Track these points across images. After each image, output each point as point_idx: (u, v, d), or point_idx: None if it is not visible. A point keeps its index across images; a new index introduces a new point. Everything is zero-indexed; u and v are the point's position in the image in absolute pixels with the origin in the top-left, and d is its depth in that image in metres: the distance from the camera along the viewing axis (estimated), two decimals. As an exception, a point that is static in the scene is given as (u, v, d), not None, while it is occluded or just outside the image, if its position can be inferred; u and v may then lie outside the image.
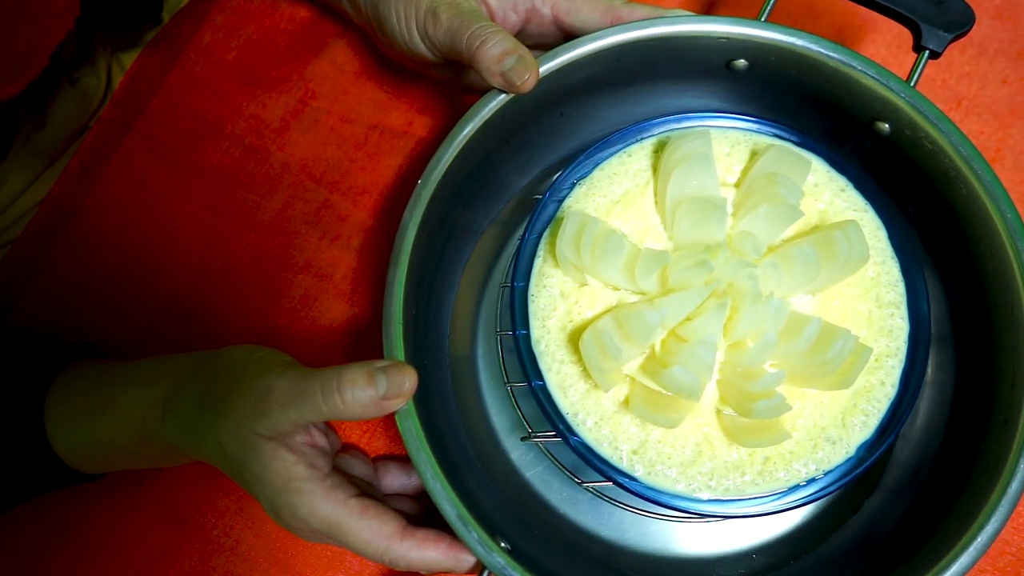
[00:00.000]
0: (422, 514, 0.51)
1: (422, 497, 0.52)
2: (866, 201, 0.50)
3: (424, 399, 0.47)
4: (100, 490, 0.55)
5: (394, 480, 0.53)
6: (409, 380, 0.43)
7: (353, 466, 0.52)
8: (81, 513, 0.56)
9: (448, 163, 0.49)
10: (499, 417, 0.55)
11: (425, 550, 0.44)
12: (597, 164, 0.51)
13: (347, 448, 0.55)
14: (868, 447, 0.46)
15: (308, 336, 0.59)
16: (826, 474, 0.45)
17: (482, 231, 0.58)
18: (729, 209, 0.50)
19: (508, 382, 0.52)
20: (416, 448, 0.44)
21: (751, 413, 0.44)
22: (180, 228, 0.61)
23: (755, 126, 0.52)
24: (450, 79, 0.59)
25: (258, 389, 0.44)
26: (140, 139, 0.63)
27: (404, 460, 0.53)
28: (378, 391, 0.42)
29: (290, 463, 0.43)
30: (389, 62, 0.63)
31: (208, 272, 0.60)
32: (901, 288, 0.49)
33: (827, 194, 0.51)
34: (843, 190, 0.51)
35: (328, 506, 0.43)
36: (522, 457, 0.55)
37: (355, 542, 0.44)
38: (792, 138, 0.52)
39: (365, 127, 0.63)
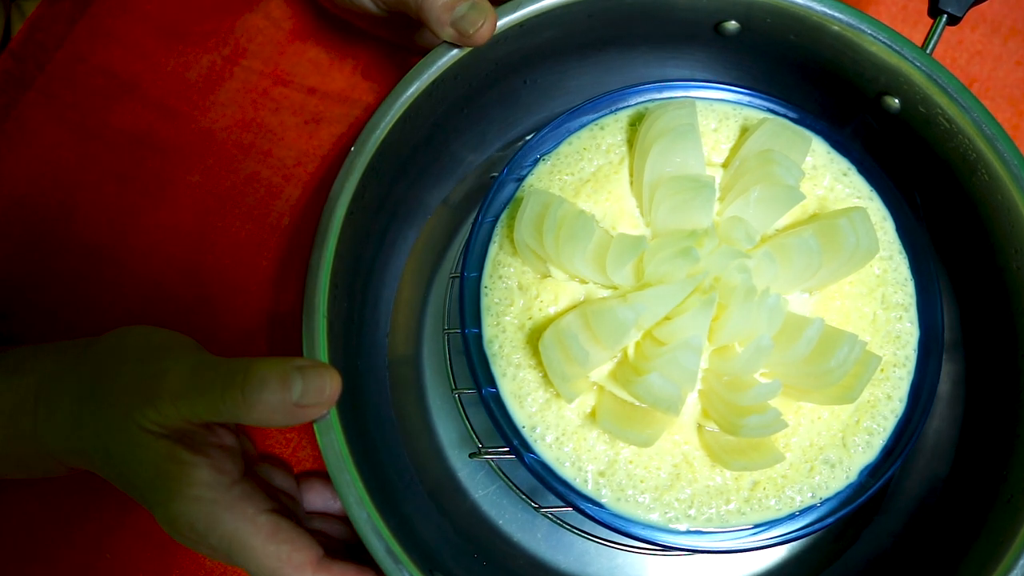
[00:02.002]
0: (352, 540, 0.44)
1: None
2: (871, 187, 0.45)
3: (355, 407, 0.41)
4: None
5: (317, 497, 0.46)
6: (331, 385, 0.37)
7: (273, 476, 0.46)
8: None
9: (388, 128, 0.42)
10: (445, 430, 0.50)
11: None
12: (564, 137, 0.46)
13: (265, 459, 0.47)
14: (872, 471, 0.41)
15: (226, 329, 0.52)
16: (823, 502, 0.40)
17: (431, 213, 0.52)
18: (716, 193, 0.44)
19: (456, 389, 0.46)
20: (338, 468, 0.37)
21: (739, 430, 0.39)
22: (83, 200, 0.54)
23: (747, 98, 0.46)
24: (399, 38, 0.53)
25: (149, 374, 0.38)
26: (40, 98, 0.56)
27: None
28: (292, 395, 0.36)
29: (189, 465, 0.37)
30: (331, 18, 0.57)
31: (113, 252, 0.53)
32: (910, 288, 0.44)
33: (827, 178, 0.45)
34: (845, 174, 0.45)
35: (232, 521, 0.37)
36: (471, 476, 0.49)
37: (257, 569, 0.37)
38: (789, 114, 0.46)
39: (302, 91, 0.56)
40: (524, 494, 0.45)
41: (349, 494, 0.37)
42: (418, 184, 0.49)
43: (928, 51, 0.44)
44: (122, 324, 0.47)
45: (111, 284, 0.52)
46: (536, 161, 0.45)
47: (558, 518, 0.45)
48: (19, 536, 0.49)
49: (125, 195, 0.54)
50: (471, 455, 0.46)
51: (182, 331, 0.46)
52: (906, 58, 0.44)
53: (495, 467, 0.46)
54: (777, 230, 0.44)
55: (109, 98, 0.56)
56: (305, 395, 0.36)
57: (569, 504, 0.40)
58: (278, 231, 0.54)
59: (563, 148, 0.45)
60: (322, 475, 0.47)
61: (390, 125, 0.42)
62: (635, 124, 0.46)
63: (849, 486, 0.40)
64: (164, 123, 0.55)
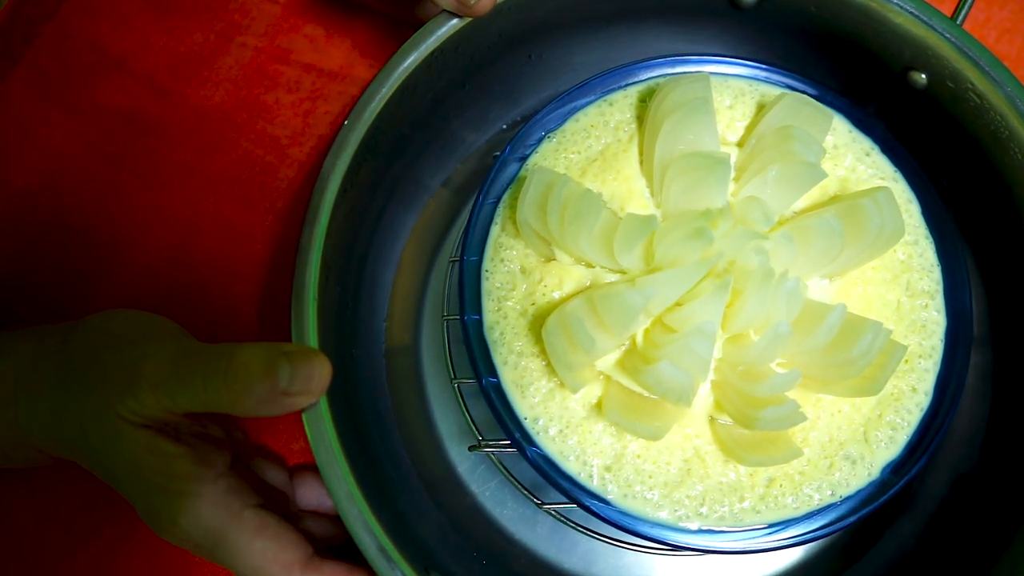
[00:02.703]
0: (343, 540, 0.42)
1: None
2: (895, 168, 0.43)
3: (348, 397, 0.40)
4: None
5: (310, 493, 0.44)
6: (320, 373, 0.35)
7: (265, 470, 0.44)
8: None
9: (384, 102, 0.40)
10: (444, 421, 0.48)
11: None
12: (570, 114, 0.43)
13: (257, 451, 0.45)
14: (895, 468, 0.39)
15: (218, 316, 0.50)
16: (843, 500, 0.38)
17: (431, 194, 0.50)
18: (731, 172, 0.41)
19: (455, 378, 0.44)
20: (328, 460, 0.35)
21: (755, 423, 0.36)
22: (68, 181, 0.52)
23: (764, 74, 0.44)
24: (399, 11, 0.51)
25: (129, 361, 0.36)
26: (26, 73, 0.54)
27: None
28: (279, 383, 0.34)
29: (171, 457, 0.35)
30: (328, -9, 0.54)
31: (98, 234, 0.51)
32: (937, 274, 0.42)
33: (849, 158, 0.43)
34: (868, 154, 0.43)
35: (216, 516, 0.35)
36: (471, 470, 0.47)
37: (242, 567, 0.36)
38: (808, 90, 0.43)
39: (298, 68, 0.54)
40: (526, 489, 0.43)
41: (339, 488, 0.35)
42: (417, 163, 0.47)
43: (958, 23, 0.42)
44: (106, 308, 0.45)
45: (97, 267, 0.50)
46: (541, 139, 0.43)
47: (562, 515, 0.43)
48: (20, 541, 0.47)
49: (113, 175, 0.52)
50: (471, 448, 0.44)
51: (172, 318, 0.44)
52: (934, 30, 0.41)
53: (496, 461, 0.43)
54: (795, 212, 0.42)
55: (98, 74, 0.53)
56: (293, 382, 0.34)
57: (573, 500, 0.38)
58: (272, 213, 0.52)
59: (569, 125, 0.43)
60: (316, 469, 0.45)
61: (386, 98, 0.40)
62: (645, 100, 0.43)
63: (871, 483, 0.38)
64: (154, 100, 0.53)
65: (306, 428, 0.36)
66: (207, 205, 0.52)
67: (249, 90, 0.54)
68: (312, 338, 0.37)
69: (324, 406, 0.36)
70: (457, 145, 0.50)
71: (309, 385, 0.34)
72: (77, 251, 0.51)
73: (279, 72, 0.54)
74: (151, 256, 0.51)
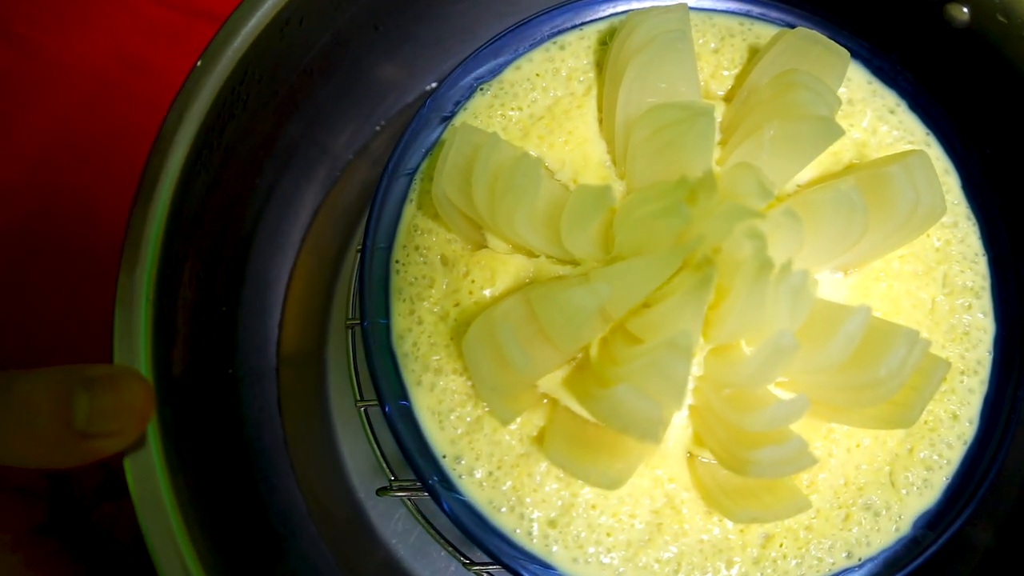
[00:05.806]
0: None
1: None
2: (927, 129, 0.37)
3: (219, 427, 0.33)
4: None
5: None
6: (136, 403, 0.27)
7: (120, 515, 0.36)
8: None
9: (253, 39, 0.33)
10: (354, 454, 0.42)
11: None
12: (511, 60, 0.37)
13: (106, 486, 0.37)
14: (931, 521, 0.33)
15: (67, 316, 0.43)
16: (864, 563, 0.33)
17: (343, 166, 0.41)
18: (717, 132, 0.35)
19: (361, 400, 0.37)
20: (160, 537, 0.27)
21: (747, 468, 0.29)
22: None
23: (758, 9, 0.38)
24: None
25: None
26: None
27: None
28: (74, 421, 0.26)
29: None
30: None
31: None
32: (983, 266, 0.36)
33: (868, 117, 0.37)
34: (892, 111, 0.37)
35: None
36: (384, 517, 0.41)
37: None
38: (816, 31, 0.36)
39: (185, 13, 0.48)
40: (452, 545, 0.36)
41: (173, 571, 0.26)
42: (321, 126, 0.40)
43: (1012, -63, 0.34)
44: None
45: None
46: (472, 92, 0.36)
47: (497, 578, 0.36)
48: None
49: (-47, 144, 0.45)
50: (379, 491, 0.36)
51: (9, 323, 0.36)
52: (982, -54, 0.34)
53: (412, 508, 0.36)
54: (800, 186, 0.35)
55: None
56: (94, 420, 0.26)
57: (504, 565, 0.31)
58: (151, 191, 0.43)
59: (508, 75, 0.37)
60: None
61: (256, 34, 0.32)
62: (606, 43, 0.37)
63: (899, 542, 0.33)
64: (7, 52, 0.46)
65: (129, 484, 0.27)
66: (70, 181, 0.45)
67: (125, 39, 0.47)
68: (142, 357, 0.28)
69: (155, 448, 0.26)
70: (375, 104, 0.42)
71: (115, 423, 0.26)
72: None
73: (162, 17, 0.48)
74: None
